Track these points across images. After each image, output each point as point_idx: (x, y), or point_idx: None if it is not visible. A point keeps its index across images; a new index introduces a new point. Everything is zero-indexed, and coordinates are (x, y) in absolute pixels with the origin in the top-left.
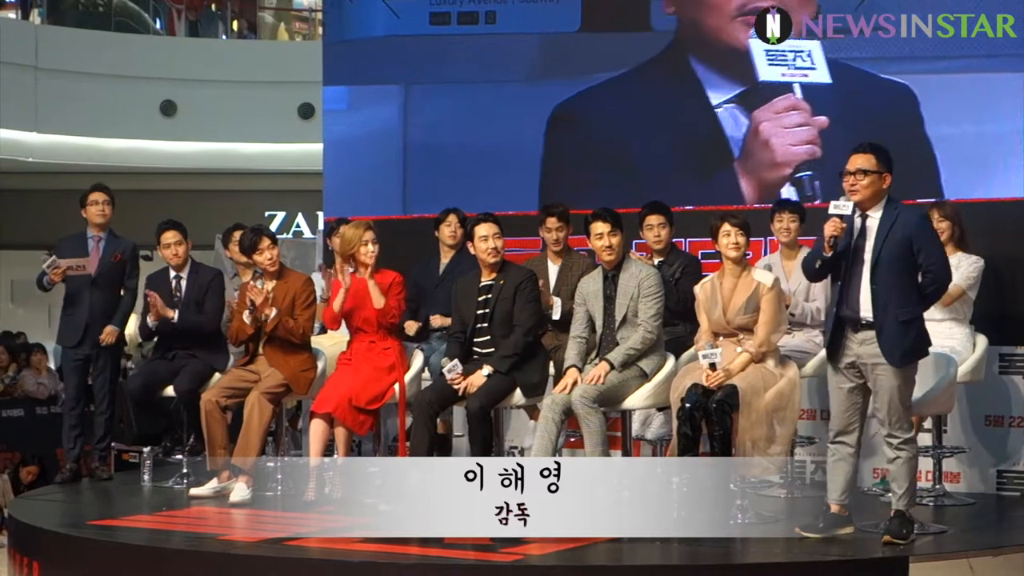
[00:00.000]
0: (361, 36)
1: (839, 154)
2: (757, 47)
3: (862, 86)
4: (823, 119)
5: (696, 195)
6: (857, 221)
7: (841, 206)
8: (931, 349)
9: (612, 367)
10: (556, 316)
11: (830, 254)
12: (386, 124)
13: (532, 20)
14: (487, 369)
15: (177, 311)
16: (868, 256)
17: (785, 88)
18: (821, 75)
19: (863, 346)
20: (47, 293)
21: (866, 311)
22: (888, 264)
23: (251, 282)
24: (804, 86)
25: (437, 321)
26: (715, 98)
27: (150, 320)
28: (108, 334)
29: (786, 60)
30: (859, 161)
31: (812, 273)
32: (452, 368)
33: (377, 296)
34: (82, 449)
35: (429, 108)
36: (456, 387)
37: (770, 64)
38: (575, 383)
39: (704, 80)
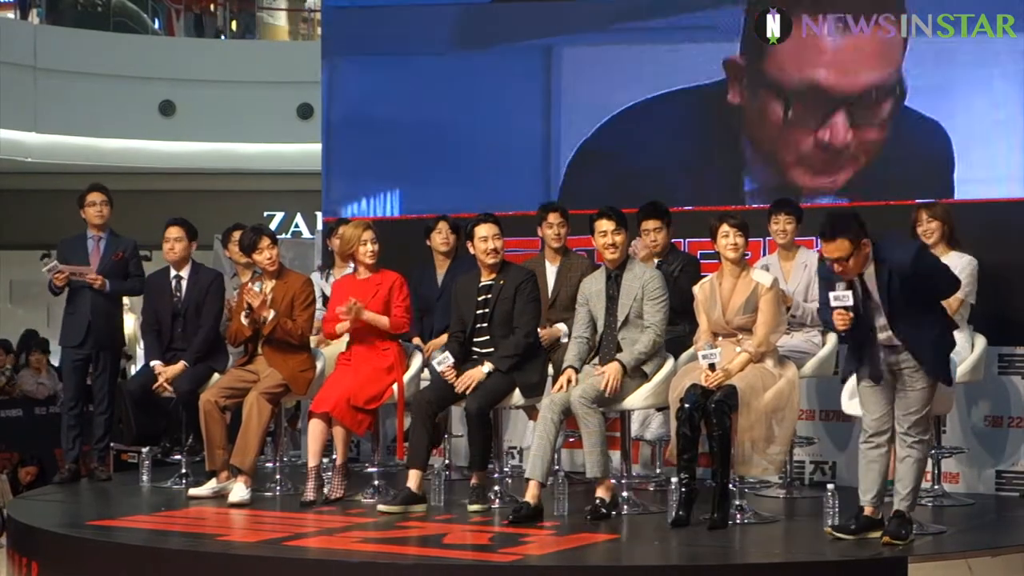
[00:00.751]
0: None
1: None
2: None
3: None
4: None
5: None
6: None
7: (842, 297)
8: None
9: (625, 371)
10: (565, 340)
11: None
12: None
13: None
14: (488, 366)
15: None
16: (881, 313)
17: None
18: None
19: (891, 356)
20: (57, 295)
21: (897, 341)
22: (902, 312)
23: (248, 285)
24: None
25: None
26: None
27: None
28: (99, 283)
29: None
30: (833, 252)
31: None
32: (443, 360)
33: (378, 321)
34: (81, 449)
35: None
36: (448, 380)
37: None
38: (570, 382)
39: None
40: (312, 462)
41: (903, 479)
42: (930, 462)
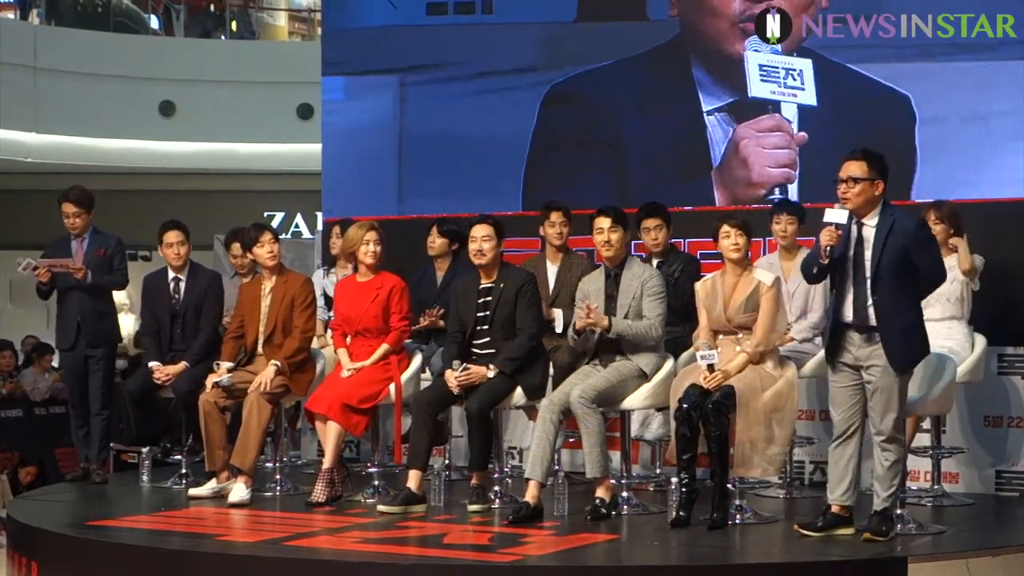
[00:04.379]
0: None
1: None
2: (752, 60)
3: (857, 96)
4: (802, 135)
5: (673, 195)
6: (853, 228)
7: (836, 214)
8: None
9: (610, 325)
10: (559, 329)
11: (827, 262)
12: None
13: (529, 10)
14: (493, 370)
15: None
16: (868, 265)
17: (773, 106)
18: (808, 97)
19: (861, 349)
20: (47, 299)
21: (869, 319)
22: (888, 274)
23: (219, 382)
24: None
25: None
26: (708, 104)
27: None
28: (80, 273)
29: (778, 78)
30: (851, 168)
31: (809, 277)
32: (462, 369)
33: (377, 356)
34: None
35: (423, 100)
36: (458, 383)
37: (762, 80)
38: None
39: (700, 84)
40: (326, 463)
41: (883, 481)
42: (930, 462)
